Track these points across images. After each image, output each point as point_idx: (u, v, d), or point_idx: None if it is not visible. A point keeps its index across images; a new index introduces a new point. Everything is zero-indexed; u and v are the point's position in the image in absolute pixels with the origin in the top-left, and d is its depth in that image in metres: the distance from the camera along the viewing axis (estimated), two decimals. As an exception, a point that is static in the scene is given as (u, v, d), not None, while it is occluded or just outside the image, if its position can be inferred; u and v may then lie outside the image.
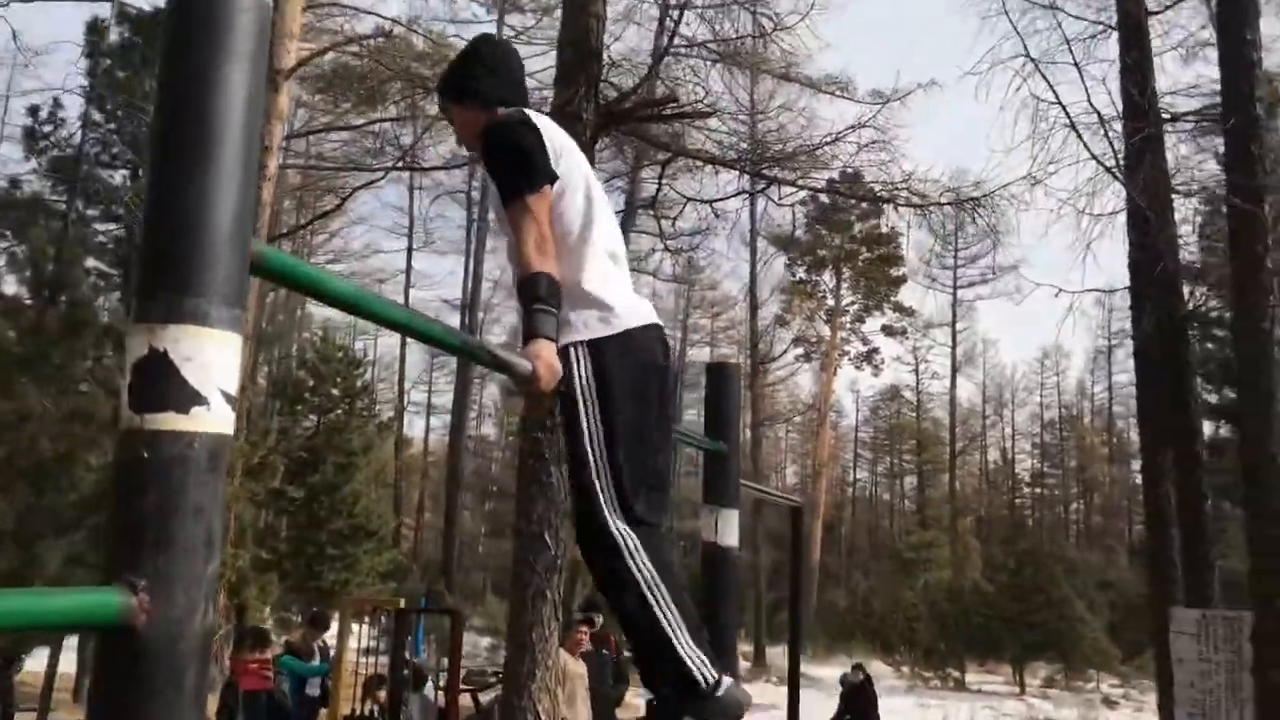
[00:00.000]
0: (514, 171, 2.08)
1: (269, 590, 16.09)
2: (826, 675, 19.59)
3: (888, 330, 40.96)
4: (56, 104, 14.67)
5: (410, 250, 34.72)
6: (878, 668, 27.69)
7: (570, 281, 2.09)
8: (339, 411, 23.26)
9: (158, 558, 1.09)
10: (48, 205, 14.02)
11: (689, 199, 7.81)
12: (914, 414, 48.76)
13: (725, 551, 3.19)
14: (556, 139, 2.21)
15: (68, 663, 14.72)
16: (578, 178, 2.22)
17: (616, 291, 2.19)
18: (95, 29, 14.57)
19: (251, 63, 1.21)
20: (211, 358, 1.15)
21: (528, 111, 2.22)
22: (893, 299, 39.76)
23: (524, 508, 6.04)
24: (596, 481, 2.05)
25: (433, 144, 16.85)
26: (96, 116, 14.76)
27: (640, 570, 2.04)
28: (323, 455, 21.94)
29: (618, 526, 2.04)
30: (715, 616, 3.24)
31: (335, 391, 23.26)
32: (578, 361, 2.07)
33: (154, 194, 1.18)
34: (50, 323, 7.98)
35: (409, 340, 34.72)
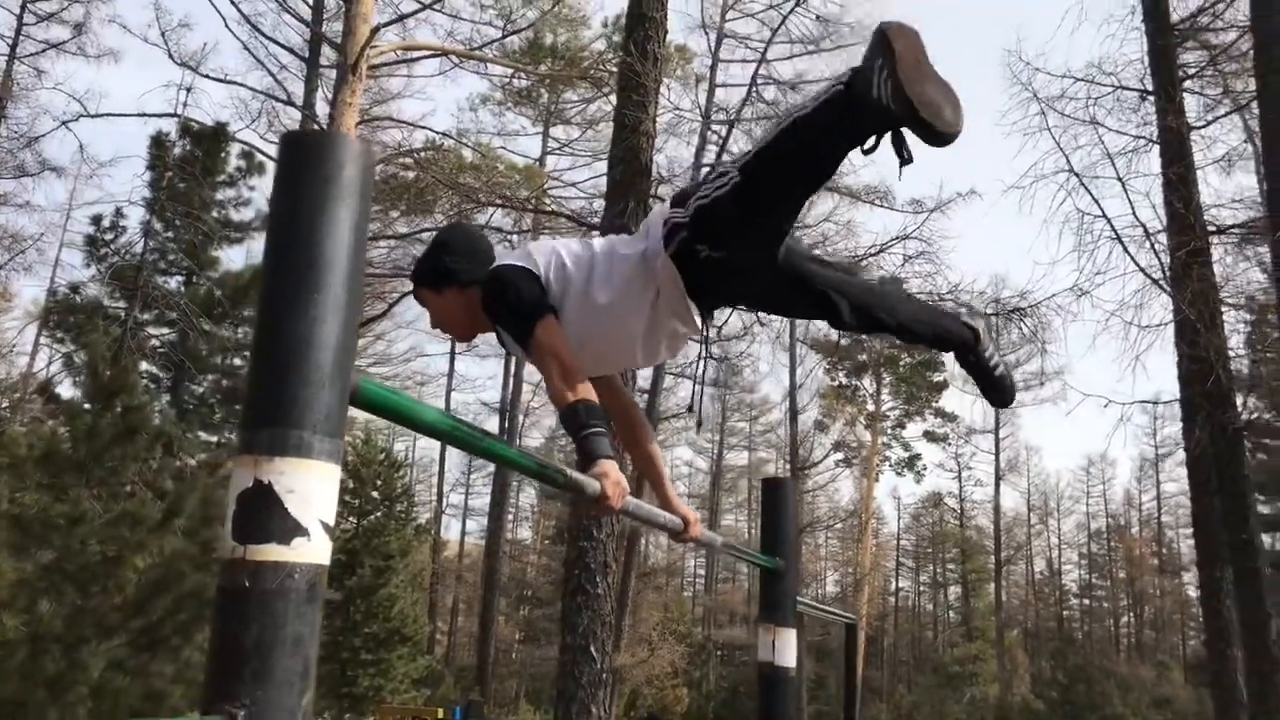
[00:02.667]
0: (516, 316, 2.16)
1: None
2: (872, 795, 18.86)
3: (929, 436, 40.55)
4: (118, 213, 15.19)
5: (453, 354, 35.13)
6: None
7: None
8: (378, 514, 23.27)
9: (256, 690, 1.11)
10: (106, 310, 14.40)
11: (734, 307, 7.87)
12: (957, 522, 47.90)
13: (783, 672, 3.13)
14: (537, 256, 2.29)
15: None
16: (563, 276, 2.28)
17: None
18: (159, 142, 15.19)
19: (357, 204, 1.27)
20: (313, 489, 1.18)
21: (502, 263, 2.29)
22: (934, 404, 39.46)
23: (569, 619, 5.98)
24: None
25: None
26: (156, 225, 15.25)
27: None
28: (360, 558, 21.88)
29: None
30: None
31: (375, 494, 23.31)
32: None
33: (262, 328, 1.23)
34: (105, 427, 8.12)
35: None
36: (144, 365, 13.80)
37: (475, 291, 2.29)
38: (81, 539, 7.52)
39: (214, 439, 15.27)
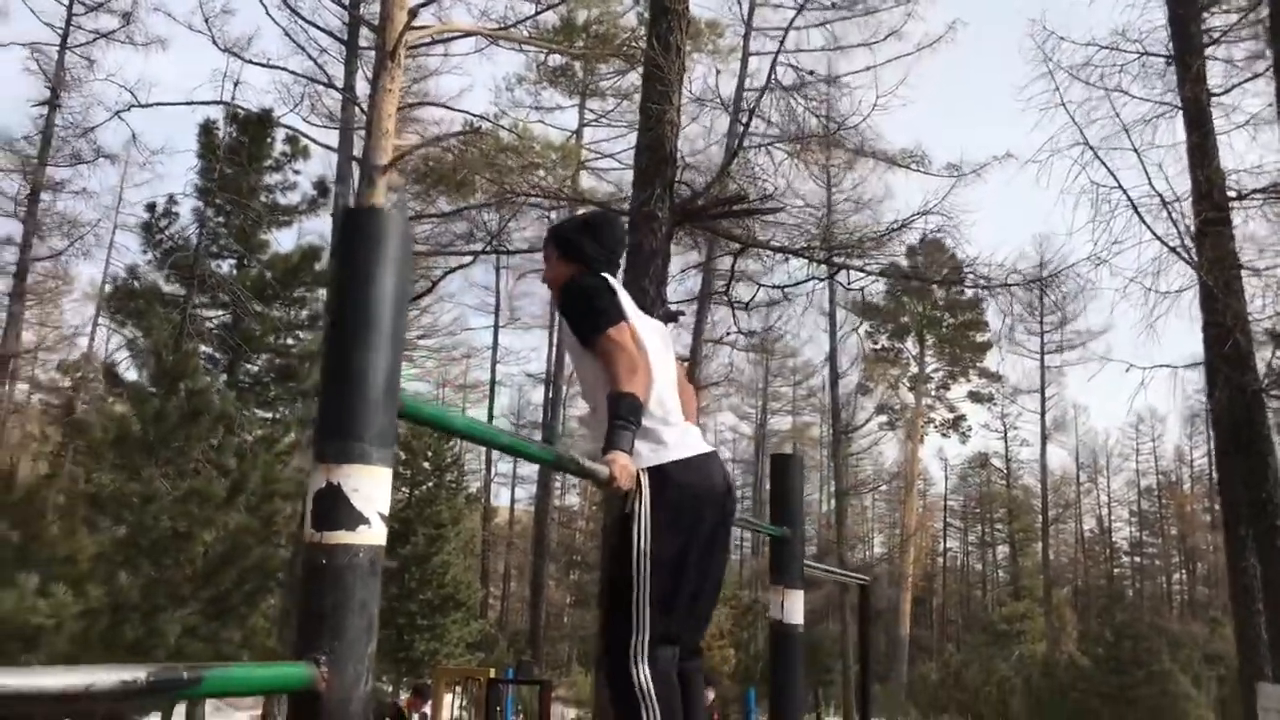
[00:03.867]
0: (594, 313, 2.46)
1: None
2: (916, 751, 19.24)
3: (974, 397, 40.51)
4: (171, 200, 15.72)
5: (496, 327, 35.69)
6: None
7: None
8: (429, 484, 23.90)
9: (334, 641, 1.47)
10: (164, 295, 14.98)
11: (761, 285, 8.22)
12: (1004, 482, 47.83)
13: (791, 629, 3.48)
14: (625, 300, 2.61)
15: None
16: (638, 334, 2.56)
17: (666, 427, 2.52)
18: (207, 130, 15.70)
19: (399, 265, 1.62)
20: (372, 488, 1.54)
21: (606, 277, 2.64)
22: (978, 365, 39.39)
23: (608, 583, 6.36)
24: (634, 606, 2.33)
25: (519, 229, 17.58)
26: (208, 211, 15.78)
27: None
28: (413, 527, 22.53)
29: (641, 674, 2.32)
30: (782, 687, 3.54)
31: (426, 465, 23.93)
32: (639, 487, 2.38)
33: (329, 362, 1.59)
34: (171, 410, 8.64)
35: (494, 412, 35.48)
36: (201, 347, 14.38)
37: (581, 270, 2.65)
38: (154, 515, 8.05)
39: (270, 415, 15.85)
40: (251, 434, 13.82)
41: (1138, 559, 50.95)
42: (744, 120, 7.45)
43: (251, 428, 14.29)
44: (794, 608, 3.51)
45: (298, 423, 14.54)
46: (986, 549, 53.08)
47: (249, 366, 15.77)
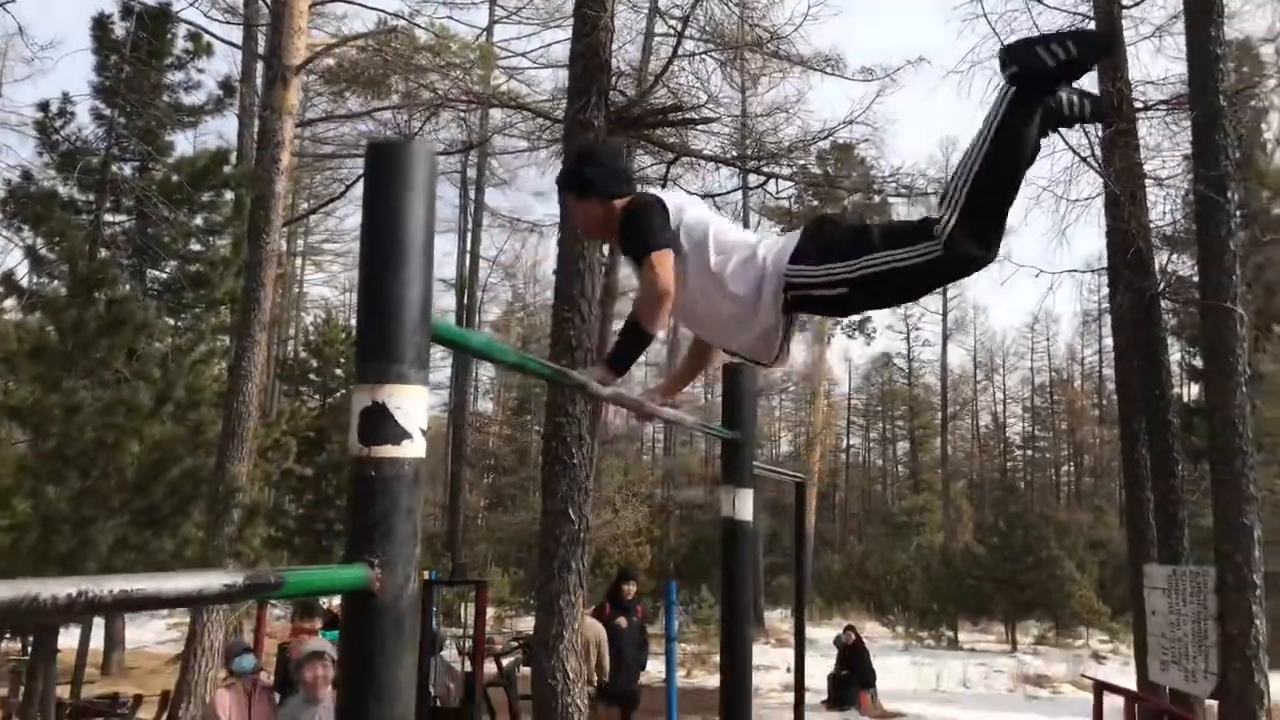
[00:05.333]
0: (639, 239, 2.54)
1: (280, 565, 16.64)
2: (823, 636, 20.24)
3: (879, 299, 41.54)
4: (66, 99, 15.00)
5: (406, 229, 35.04)
6: (873, 629, 28.47)
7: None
8: (343, 391, 23.75)
9: (385, 544, 1.61)
10: (62, 199, 14.40)
11: (691, 193, 8.28)
12: (906, 381, 49.45)
13: (742, 525, 3.72)
14: (674, 202, 2.67)
15: (97, 639, 15.33)
16: (701, 228, 2.64)
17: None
18: (102, 24, 14.93)
19: (425, 194, 1.72)
20: (412, 405, 1.66)
21: (649, 191, 2.71)
22: (884, 268, 40.29)
23: (549, 485, 6.58)
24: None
25: (432, 130, 17.26)
26: (107, 112, 15.11)
27: None
28: (328, 434, 22.44)
29: None
30: (734, 581, 3.79)
31: (339, 372, 23.73)
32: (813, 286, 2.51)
33: (366, 291, 1.69)
34: (90, 320, 8.45)
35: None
36: (105, 252, 13.92)
37: (612, 204, 2.66)
38: (78, 427, 7.93)
39: (182, 324, 15.52)
40: (165, 342, 13.55)
41: (1030, 452, 53.46)
42: (678, 28, 7.46)
43: (164, 335, 14.00)
44: (745, 506, 3.75)
45: (212, 331, 14.28)
46: (888, 445, 55.07)
47: (158, 274, 15.35)
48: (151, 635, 19.71)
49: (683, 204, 2.71)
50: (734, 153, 7.80)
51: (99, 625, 14.45)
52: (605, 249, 7.07)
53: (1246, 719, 7.45)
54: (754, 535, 3.76)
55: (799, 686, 4.61)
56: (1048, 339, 52.45)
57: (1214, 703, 7.62)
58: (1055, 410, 52.37)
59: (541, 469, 6.89)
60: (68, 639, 13.45)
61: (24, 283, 13.70)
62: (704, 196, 8.64)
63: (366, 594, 1.59)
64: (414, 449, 1.67)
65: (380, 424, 1.65)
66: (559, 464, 6.48)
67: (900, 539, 38.28)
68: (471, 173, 30.09)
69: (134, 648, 17.82)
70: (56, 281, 11.39)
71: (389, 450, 1.64)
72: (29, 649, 11.72)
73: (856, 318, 40.89)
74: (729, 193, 9.02)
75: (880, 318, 42.24)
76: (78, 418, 7.92)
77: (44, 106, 14.58)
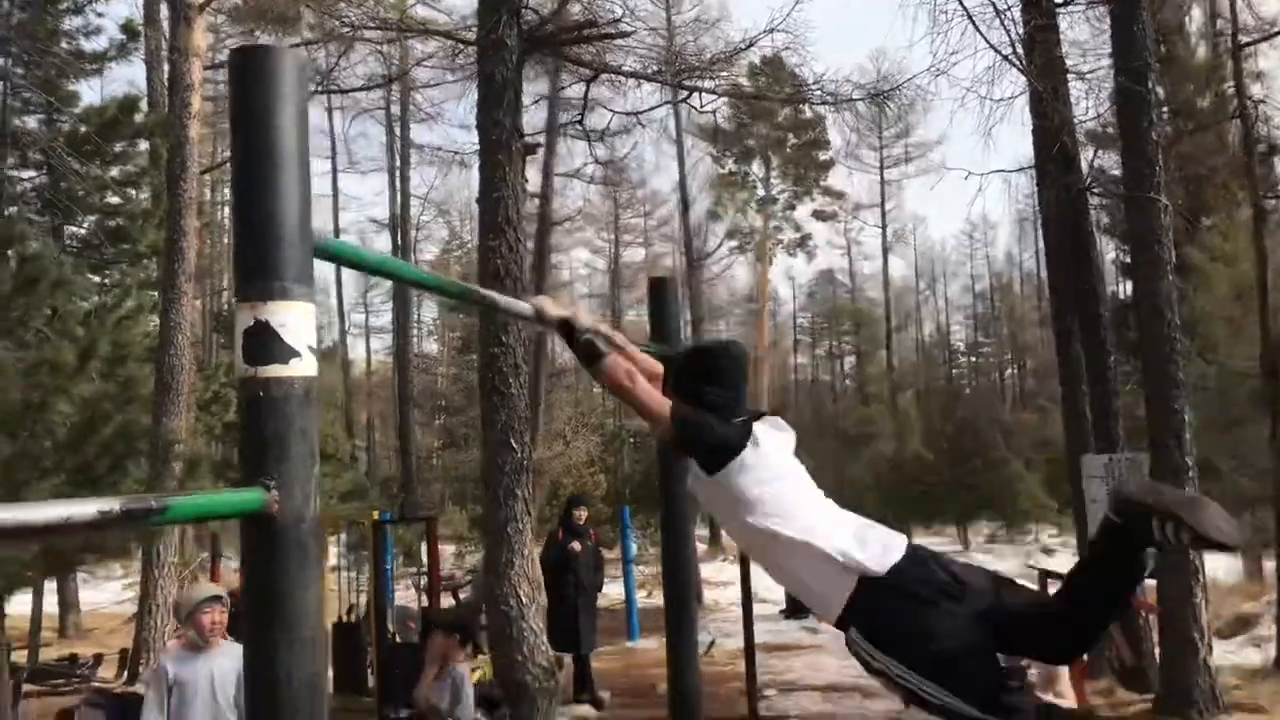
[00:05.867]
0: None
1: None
2: (780, 551, 20.62)
3: (819, 215, 41.62)
4: (-39, 52, 14.34)
5: (335, 172, 34.34)
6: (828, 540, 29.04)
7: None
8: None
9: (281, 466, 1.56)
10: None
11: (615, 112, 8.19)
12: (849, 296, 49.84)
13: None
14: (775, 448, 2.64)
15: (50, 605, 15.15)
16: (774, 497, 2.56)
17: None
18: (-11, -30, 14.21)
19: (297, 101, 1.63)
20: (298, 322, 1.60)
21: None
22: (822, 184, 40.30)
23: (488, 417, 6.53)
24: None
25: (349, 66, 16.76)
26: (5, 62, 14.47)
27: None
28: (272, 384, 22.11)
29: None
30: (671, 500, 3.79)
31: (278, 320, 23.34)
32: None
33: (240, 206, 1.61)
34: (4, 278, 8.16)
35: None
36: (13, 209, 13.45)
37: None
38: (2, 389, 7.71)
39: (103, 280, 15.09)
40: (90, 300, 13.18)
41: (974, 359, 54.39)
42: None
43: (86, 292, 13.62)
44: (677, 418, 3.73)
45: (139, 286, 13.90)
46: (835, 360, 55.67)
47: (76, 230, 14.87)
48: (107, 596, 19.53)
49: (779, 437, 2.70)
50: (655, 68, 7.67)
51: (51, 590, 14.27)
52: (524, 172, 6.94)
53: (1183, 594, 7.72)
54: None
55: (746, 597, 4.68)
56: (986, 245, 53.10)
57: (1153, 582, 7.88)
58: (997, 315, 53.19)
59: (480, 401, 6.84)
60: (19, 605, 13.29)
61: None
62: (630, 114, 8.56)
63: (264, 517, 1.54)
64: (303, 367, 1.60)
65: (265, 343, 1.58)
66: (496, 394, 6.44)
67: (852, 451, 38.88)
68: (396, 110, 29.43)
69: (90, 609, 17.66)
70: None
71: (276, 370, 1.58)
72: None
73: (796, 234, 40.98)
74: (655, 108, 8.90)
75: (820, 234, 42.41)
76: (1, 380, 7.70)
77: (-67, 59, 13.92)
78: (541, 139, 20.73)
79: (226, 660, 4.43)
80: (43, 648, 13.11)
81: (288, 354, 1.57)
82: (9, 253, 8.38)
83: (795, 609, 14.87)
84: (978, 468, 29.30)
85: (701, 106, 8.72)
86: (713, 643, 11.96)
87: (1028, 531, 29.94)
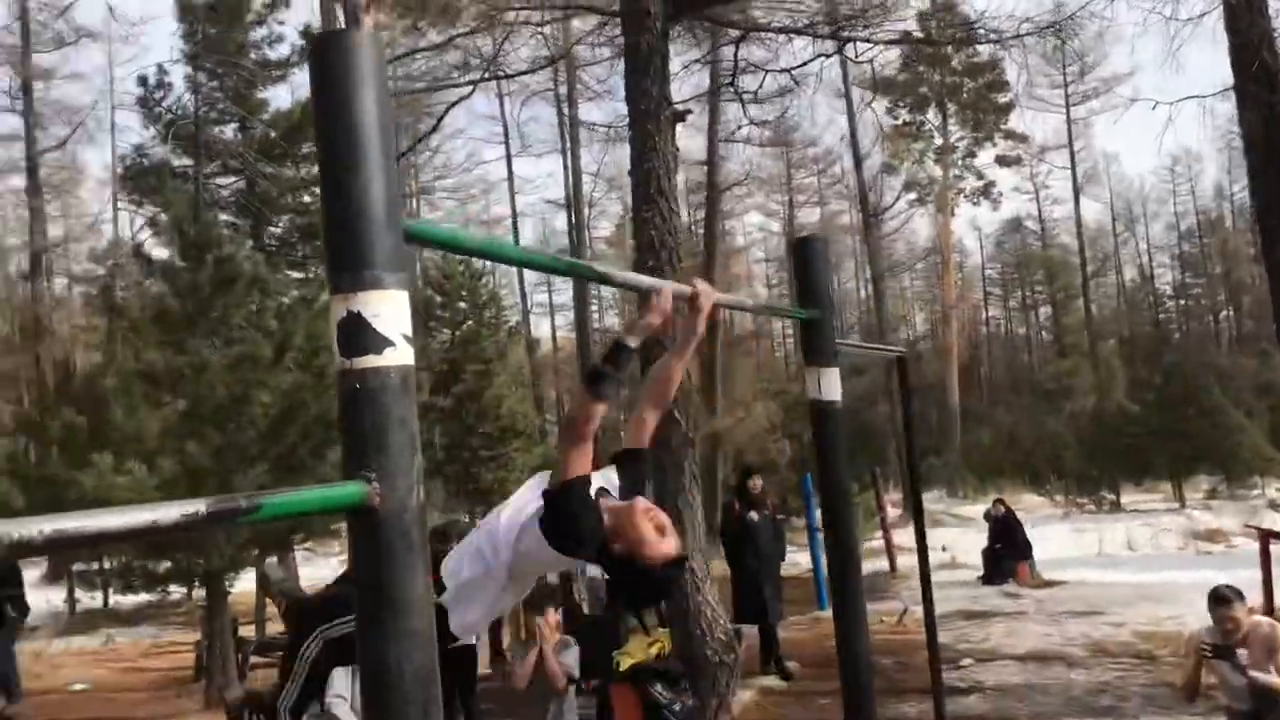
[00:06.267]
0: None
1: (434, 494, 17.24)
2: (976, 513, 19.90)
3: (1002, 161, 39.65)
4: (161, 70, 15.38)
5: (509, 157, 35.20)
6: (1029, 500, 27.78)
7: None
8: (469, 323, 24.17)
9: (380, 457, 1.54)
10: (174, 168, 14.87)
11: (766, 71, 7.94)
12: (1040, 243, 47.40)
13: (829, 405, 3.56)
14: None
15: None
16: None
17: None
18: (182, -9, 15.19)
19: (375, 84, 1.60)
20: (391, 311, 1.57)
21: None
22: (1003, 127, 38.33)
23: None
24: None
25: (513, 49, 17.03)
26: (199, 77, 15.43)
27: None
28: (461, 366, 22.96)
29: None
30: (828, 463, 3.65)
31: (463, 305, 24.16)
32: None
33: (326, 197, 1.59)
34: (204, 281, 8.74)
35: (520, 243, 35.59)
36: (222, 216, 14.37)
37: None
38: (208, 385, 8.29)
39: (302, 275, 15.94)
40: (286, 296, 13.96)
41: (1182, 301, 50.83)
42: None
43: (285, 289, 14.43)
44: (831, 385, 3.57)
45: (330, 279, 14.63)
46: (1029, 312, 53.17)
47: (272, 229, 15.74)
48: (328, 571, 20.81)
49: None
50: (805, 21, 7.38)
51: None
52: (675, 141, 6.82)
53: None
54: (842, 415, 3.58)
55: (923, 561, 4.49)
56: (1190, 180, 49.34)
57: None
58: (1206, 254, 49.43)
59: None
60: (246, 582, 14.32)
61: (153, 254, 14.31)
62: (781, 71, 8.27)
63: (367, 510, 1.53)
64: (398, 356, 1.58)
65: (358, 334, 1.56)
66: (658, 367, 6.36)
67: (1050, 406, 37.09)
68: (564, 89, 29.81)
69: (311, 584, 18.88)
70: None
71: (372, 360, 1.56)
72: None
73: (979, 182, 39.16)
74: (806, 63, 8.55)
75: (1005, 180, 40.43)
76: (206, 376, 8.27)
77: (143, 81, 15.02)
78: (705, 105, 20.53)
79: None
80: (267, 622, 14.11)
81: (381, 344, 1.55)
82: (207, 256, 8.96)
83: (994, 574, 14.31)
84: (1191, 418, 27.27)
85: (857, 56, 8.36)
86: (905, 611, 11.64)
87: (1252, 486, 27.68)
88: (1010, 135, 38.68)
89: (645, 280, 2.52)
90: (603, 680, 6.72)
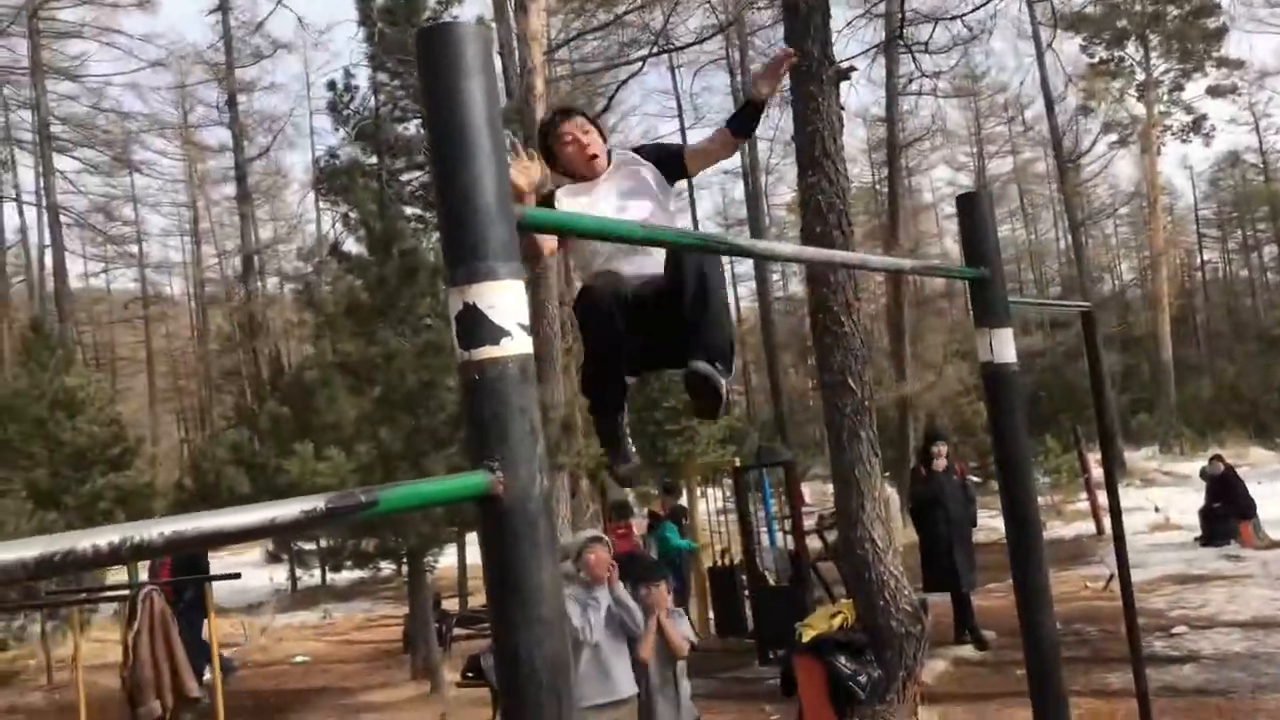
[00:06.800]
0: None
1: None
2: (1193, 469, 18.60)
3: (1214, 92, 36.61)
4: (348, 74, 16.14)
5: (683, 130, 35.18)
6: (1256, 454, 25.77)
7: None
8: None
9: (502, 447, 1.55)
10: (363, 167, 15.60)
11: (937, 20, 7.57)
12: (1262, 177, 43.61)
13: (1003, 368, 3.36)
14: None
15: (474, 556, 17.07)
16: None
17: None
18: (361, -5, 15.85)
19: (483, 75, 1.60)
20: (506, 302, 1.57)
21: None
22: (1215, 55, 35.33)
23: (823, 360, 6.38)
24: None
25: (680, 21, 17.02)
26: (381, 77, 16.11)
27: None
28: (642, 343, 23.20)
29: None
30: (1003, 430, 3.45)
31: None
32: None
33: (439, 190, 1.61)
34: (390, 273, 9.16)
35: (699, 216, 35.51)
36: (408, 209, 14.98)
37: None
38: (399, 372, 8.70)
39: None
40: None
41: None
42: None
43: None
44: (1004, 347, 3.37)
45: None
46: (1250, 253, 49.13)
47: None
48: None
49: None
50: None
51: (472, 542, 16.00)
52: (839, 100, 6.60)
53: None
54: (1018, 375, 3.38)
55: (1117, 521, 4.24)
56: None
57: None
58: None
59: (813, 343, 6.69)
60: (449, 557, 15.02)
61: (349, 250, 15.12)
62: (953, 18, 7.85)
63: (491, 499, 1.54)
64: (516, 345, 1.58)
65: (476, 326, 1.57)
66: (829, 335, 6.24)
67: (1278, 354, 34.24)
68: (736, 56, 29.56)
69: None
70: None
71: (489, 351, 1.56)
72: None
73: (1188, 117, 36.28)
74: (978, 7, 8.07)
75: (1218, 112, 37.34)
76: (396, 364, 8.67)
77: (331, 85, 15.82)
78: (880, 59, 19.83)
79: (608, 596, 4.83)
80: (469, 596, 14.77)
81: (498, 334, 1.56)
82: (393, 250, 9.36)
83: (1213, 535, 13.36)
84: None
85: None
86: (1111, 576, 11.04)
87: None
88: (1224, 63, 35.65)
89: (787, 249, 2.42)
90: (787, 650, 6.68)
